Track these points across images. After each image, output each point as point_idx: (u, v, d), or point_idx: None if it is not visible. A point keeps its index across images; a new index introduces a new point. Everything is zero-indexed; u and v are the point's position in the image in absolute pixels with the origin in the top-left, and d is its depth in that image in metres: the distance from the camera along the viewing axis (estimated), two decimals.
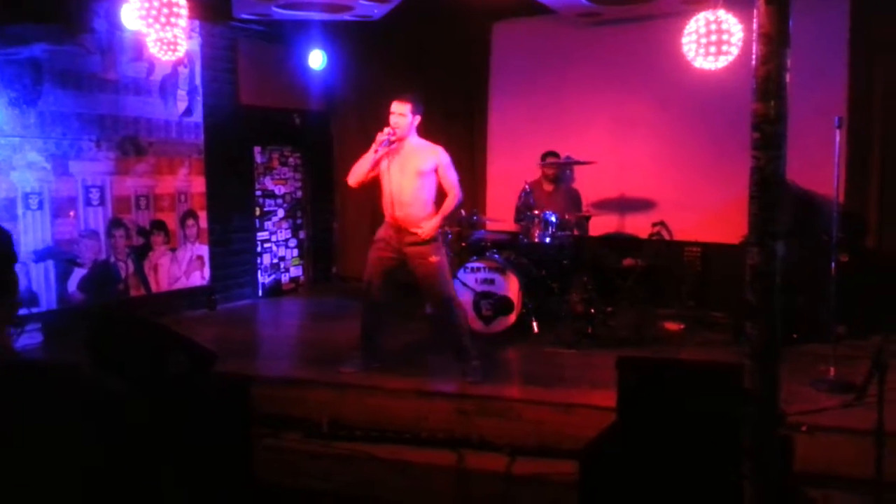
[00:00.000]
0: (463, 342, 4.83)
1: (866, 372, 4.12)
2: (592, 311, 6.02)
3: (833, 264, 4.64)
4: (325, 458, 4.12)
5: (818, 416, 3.99)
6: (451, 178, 4.81)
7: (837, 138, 4.58)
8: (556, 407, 4.29)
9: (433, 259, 4.74)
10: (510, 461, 3.91)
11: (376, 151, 4.72)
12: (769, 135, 2.58)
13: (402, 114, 4.72)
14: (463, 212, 6.39)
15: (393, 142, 4.71)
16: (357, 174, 4.84)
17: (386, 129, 4.71)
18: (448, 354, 4.95)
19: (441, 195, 4.90)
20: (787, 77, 2.64)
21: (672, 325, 6.17)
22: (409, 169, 4.73)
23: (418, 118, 4.80)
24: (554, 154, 6.65)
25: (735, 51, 4.39)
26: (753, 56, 2.66)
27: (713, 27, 4.33)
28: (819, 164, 5.47)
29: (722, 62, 4.45)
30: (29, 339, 5.51)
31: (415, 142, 4.82)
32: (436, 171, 4.78)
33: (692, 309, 6.47)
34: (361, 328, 5.02)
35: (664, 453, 2.94)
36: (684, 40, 4.46)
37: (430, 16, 7.09)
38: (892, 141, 6.20)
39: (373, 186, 8.57)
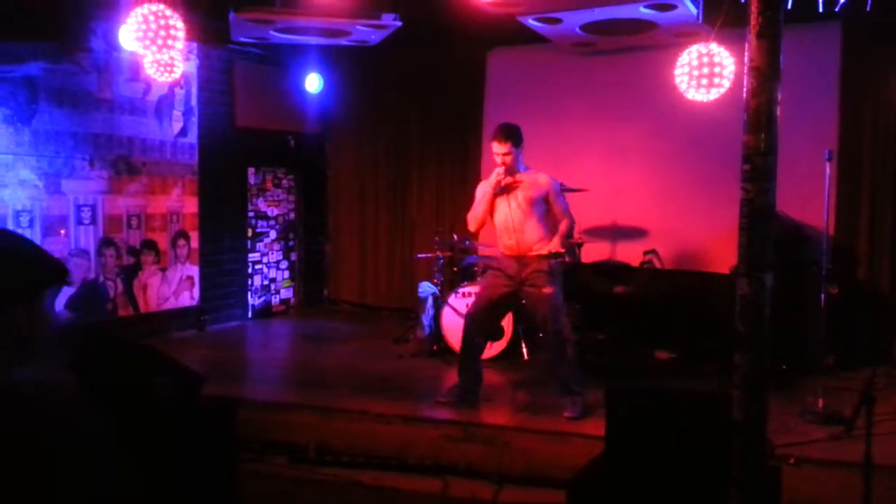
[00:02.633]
0: (570, 376, 4.72)
1: (855, 404, 4.11)
2: (583, 338, 6.01)
3: (822, 296, 4.66)
4: (311, 483, 4.07)
5: (806, 448, 3.98)
6: (560, 204, 4.81)
7: (828, 170, 4.62)
8: (545, 435, 4.27)
9: (547, 290, 4.68)
10: (497, 489, 3.87)
11: (497, 195, 4.72)
12: (759, 167, 2.60)
13: (506, 153, 4.67)
14: (455, 236, 6.40)
15: (507, 183, 4.70)
16: (476, 220, 4.83)
17: (496, 171, 4.70)
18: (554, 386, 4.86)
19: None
20: (778, 110, 2.67)
21: (662, 354, 6.17)
22: (520, 200, 4.72)
23: (523, 149, 4.78)
24: None
25: (727, 83, 4.44)
26: (745, 89, 2.70)
27: (705, 60, 4.38)
28: (809, 196, 5.52)
29: (714, 94, 4.50)
30: None
31: (523, 172, 4.80)
32: (546, 198, 4.76)
33: (682, 338, 6.47)
34: (462, 357, 4.95)
35: (652, 484, 2.92)
36: (676, 72, 4.51)
37: (427, 43, 7.15)
38: (881, 173, 6.27)
39: (363, 210, 8.59)
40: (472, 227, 4.89)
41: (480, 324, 4.91)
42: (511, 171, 4.70)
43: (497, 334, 5.90)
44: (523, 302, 4.91)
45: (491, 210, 4.80)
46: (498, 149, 4.69)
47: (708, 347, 6.18)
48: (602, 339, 6.26)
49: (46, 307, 1.38)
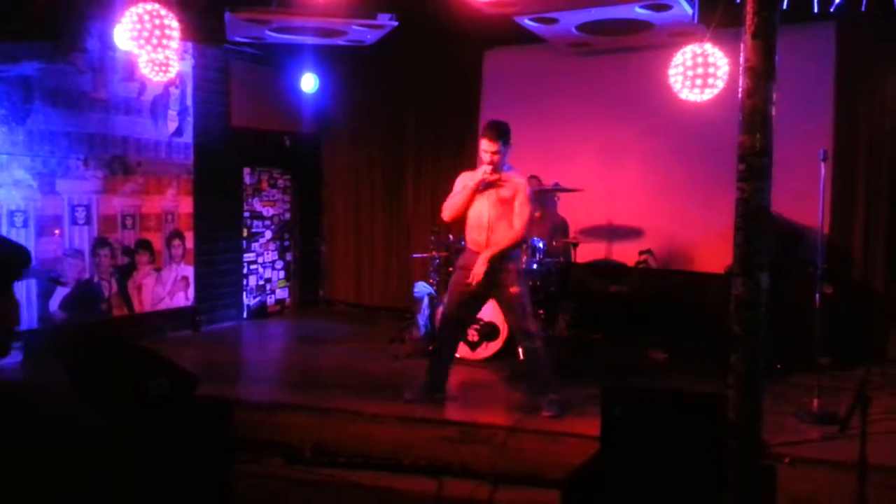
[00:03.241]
0: (544, 374, 4.73)
1: (849, 404, 4.12)
2: (577, 337, 6.02)
3: (817, 295, 4.67)
4: (306, 484, 4.06)
5: (801, 447, 3.99)
6: (522, 212, 4.72)
7: (822, 170, 4.63)
8: (540, 435, 4.27)
9: (513, 290, 4.68)
10: (493, 490, 3.86)
11: (479, 191, 4.70)
12: (755, 167, 2.61)
13: (495, 151, 4.65)
14: (451, 236, 6.40)
15: (494, 180, 4.68)
16: (453, 211, 4.81)
17: (483, 168, 4.68)
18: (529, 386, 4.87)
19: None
20: (773, 110, 2.68)
21: (657, 354, 6.18)
22: (496, 199, 4.72)
23: (510, 148, 4.77)
24: (534, 178, 6.67)
25: (721, 84, 4.45)
26: (739, 89, 2.70)
27: (699, 60, 4.39)
28: (804, 196, 5.54)
29: (708, 95, 4.50)
30: (8, 358, 5.44)
31: (505, 171, 4.78)
32: (513, 198, 4.73)
33: (677, 338, 6.48)
34: (434, 355, 4.96)
35: (647, 484, 2.92)
36: (671, 72, 4.51)
37: (423, 43, 7.15)
38: (876, 173, 6.28)
39: (359, 210, 8.58)
40: (446, 216, 4.87)
41: (453, 322, 4.91)
42: (497, 169, 4.70)
43: (492, 334, 5.91)
44: (497, 303, 4.88)
45: (468, 204, 4.77)
46: (487, 146, 4.68)
47: (703, 347, 6.20)
48: (597, 339, 6.26)
49: (15, 294, 1.40)
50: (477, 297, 4.86)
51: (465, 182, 4.80)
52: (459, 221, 4.94)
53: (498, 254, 4.65)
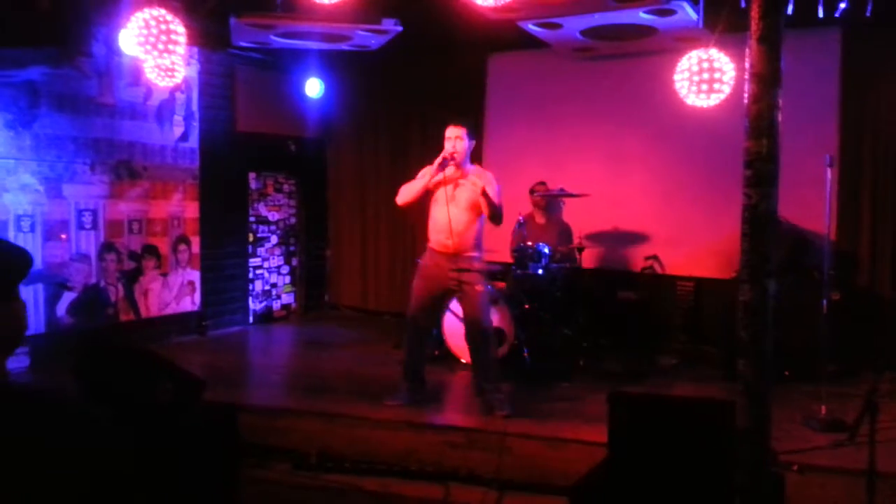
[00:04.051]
0: (493, 374, 4.79)
1: (858, 411, 4.10)
2: (585, 344, 6.00)
3: (825, 302, 4.65)
4: (313, 490, 4.06)
5: (809, 455, 3.97)
6: (494, 190, 4.74)
7: (829, 176, 4.62)
8: (547, 441, 4.25)
9: (479, 288, 4.74)
10: (499, 496, 3.86)
11: (435, 175, 4.69)
12: (761, 172, 2.60)
13: (459, 137, 4.69)
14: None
15: (452, 165, 4.69)
16: (408, 196, 4.81)
17: (445, 153, 4.69)
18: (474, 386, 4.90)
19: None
20: (779, 116, 2.67)
21: (664, 360, 6.16)
22: (462, 201, 4.74)
23: (473, 143, 4.81)
24: (542, 184, 6.68)
25: (727, 89, 4.43)
26: (745, 95, 2.70)
27: (705, 65, 4.37)
28: (811, 201, 5.52)
29: (714, 100, 4.49)
30: (16, 362, 5.44)
31: (467, 168, 4.82)
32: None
33: (684, 343, 6.46)
34: (406, 358, 4.97)
35: (655, 491, 2.91)
36: (676, 77, 4.50)
37: (427, 47, 7.16)
38: (883, 179, 6.26)
39: (365, 214, 8.59)
40: (400, 200, 4.85)
41: (421, 323, 4.93)
42: (460, 158, 4.70)
43: (498, 340, 5.89)
44: (460, 301, 4.91)
45: (424, 190, 4.75)
46: (451, 132, 4.70)
47: (709, 353, 6.18)
48: (603, 345, 6.25)
49: (21, 296, 1.41)
50: (445, 295, 4.90)
51: (425, 170, 4.80)
52: (424, 222, 4.94)
53: (465, 251, 4.70)
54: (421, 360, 4.99)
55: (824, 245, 4.76)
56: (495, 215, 4.72)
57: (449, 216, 4.69)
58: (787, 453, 3.86)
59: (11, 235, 5.57)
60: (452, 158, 4.68)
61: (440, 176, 4.68)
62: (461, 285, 4.76)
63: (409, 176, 8.70)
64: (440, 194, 4.77)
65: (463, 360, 5.95)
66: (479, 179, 4.70)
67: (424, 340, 5.03)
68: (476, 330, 4.81)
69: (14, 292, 1.25)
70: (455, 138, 4.70)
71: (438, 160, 4.69)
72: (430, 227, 4.88)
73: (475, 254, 4.81)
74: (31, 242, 5.69)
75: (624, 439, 3.01)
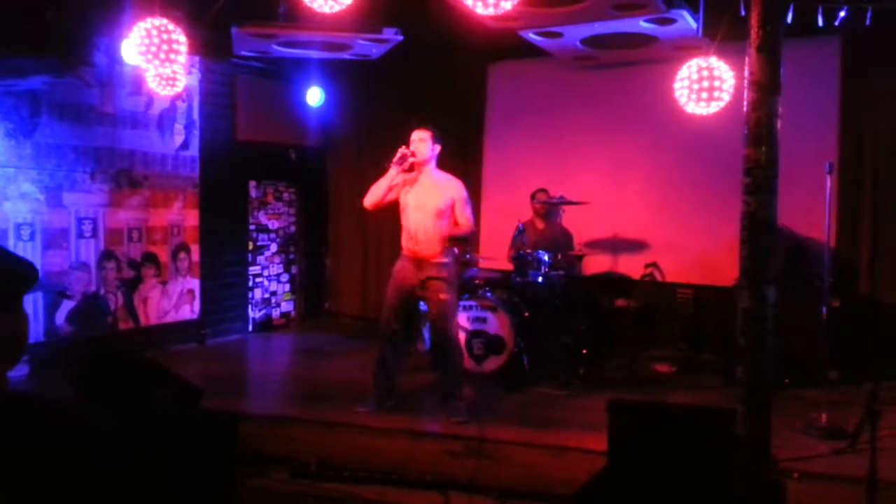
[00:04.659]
0: (453, 382, 4.85)
1: (859, 418, 4.09)
2: (584, 351, 5.99)
3: (825, 309, 4.65)
4: (311, 498, 4.04)
5: (810, 462, 3.96)
6: (466, 214, 4.88)
7: (828, 183, 4.63)
8: (547, 450, 4.24)
9: (444, 296, 4.78)
10: None
11: (390, 167, 4.79)
12: (760, 180, 2.61)
13: (421, 139, 4.80)
14: (456, 250, 6.39)
15: (411, 164, 4.76)
16: (373, 196, 4.90)
17: (403, 148, 4.76)
18: (436, 393, 4.94)
19: None
20: (778, 123, 2.68)
21: (664, 368, 6.15)
22: (428, 206, 4.81)
23: (438, 148, 4.88)
24: (543, 191, 6.69)
25: (726, 97, 4.45)
26: (745, 102, 2.71)
27: (705, 73, 4.39)
28: (810, 209, 5.52)
29: (713, 108, 4.51)
30: (16, 371, 5.43)
31: (435, 175, 4.89)
32: (452, 206, 4.84)
33: (684, 351, 6.45)
34: (377, 363, 4.99)
35: (655, 499, 2.90)
36: (676, 85, 4.52)
37: (428, 56, 7.18)
38: (883, 186, 6.27)
39: (364, 222, 8.59)
40: (367, 202, 4.94)
41: (392, 329, 4.96)
42: (420, 158, 4.76)
43: (498, 348, 5.88)
44: (427, 307, 4.97)
45: (399, 210, 4.86)
46: (416, 135, 4.80)
47: (709, 361, 6.17)
48: (603, 353, 6.24)
49: (24, 307, 1.41)
50: (411, 301, 4.96)
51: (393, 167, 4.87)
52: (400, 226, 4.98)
53: (442, 245, 4.76)
54: (394, 366, 5.00)
55: (824, 252, 4.76)
56: (466, 242, 4.86)
57: (415, 223, 4.79)
58: (788, 461, 3.84)
59: (11, 244, 5.57)
60: (412, 155, 4.75)
61: (395, 171, 4.76)
62: (427, 291, 4.81)
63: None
64: (407, 200, 4.84)
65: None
66: (444, 195, 4.80)
67: (398, 346, 5.04)
68: (439, 336, 4.85)
69: (17, 303, 1.26)
70: (419, 140, 4.80)
71: (397, 155, 4.75)
72: (402, 235, 4.96)
73: (444, 260, 4.84)
74: (30, 251, 5.69)
75: (624, 447, 3.00)
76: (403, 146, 4.81)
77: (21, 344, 1.44)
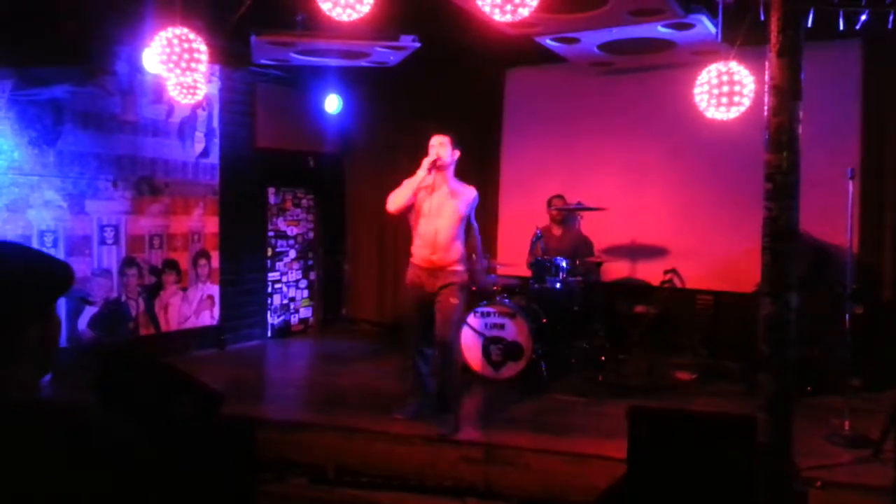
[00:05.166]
0: (449, 390, 4.80)
1: (882, 427, 4.04)
2: (603, 358, 5.96)
3: (847, 316, 4.59)
4: None
5: (833, 471, 3.90)
6: (475, 224, 4.95)
7: (850, 189, 4.58)
8: (566, 456, 4.22)
9: (454, 300, 4.76)
10: None
11: (428, 175, 4.77)
12: (782, 185, 2.58)
13: (442, 143, 4.80)
14: (473, 256, 6.40)
15: (438, 167, 4.75)
16: (399, 200, 4.87)
17: (431, 157, 4.76)
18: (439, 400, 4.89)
19: None
20: (800, 128, 2.65)
21: (684, 375, 6.10)
22: (448, 212, 4.79)
23: (457, 153, 4.88)
24: (560, 197, 6.67)
25: (747, 102, 4.42)
26: (765, 107, 2.68)
27: (725, 78, 4.37)
28: (832, 214, 5.46)
29: (733, 113, 4.48)
30: None
31: (453, 182, 4.88)
32: (470, 214, 4.88)
33: (704, 358, 6.40)
34: (413, 375, 4.97)
35: None
36: (696, 90, 4.50)
37: (445, 63, 7.20)
38: None
39: (382, 229, 8.61)
40: (391, 207, 4.90)
41: (421, 347, 4.92)
42: (444, 162, 4.77)
43: (516, 354, 5.87)
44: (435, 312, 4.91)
45: (415, 217, 4.84)
46: (436, 139, 4.79)
47: (730, 368, 6.11)
48: (622, 359, 6.20)
49: (57, 312, 1.42)
50: (429, 307, 4.89)
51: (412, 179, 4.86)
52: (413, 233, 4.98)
53: (449, 265, 4.76)
54: (429, 375, 4.97)
55: (846, 258, 4.70)
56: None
57: (434, 229, 4.77)
58: (811, 469, 3.80)
59: None
60: (439, 159, 4.75)
61: (424, 174, 4.75)
62: (439, 295, 4.78)
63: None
64: (426, 207, 4.81)
65: (481, 374, 5.93)
66: (465, 201, 4.82)
67: (428, 358, 4.99)
68: (441, 341, 4.79)
69: (52, 309, 1.27)
70: (439, 145, 4.79)
71: (429, 163, 4.74)
72: (415, 242, 4.91)
73: (459, 268, 4.83)
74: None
75: (644, 455, 2.98)
76: (432, 156, 4.79)
77: (54, 350, 1.45)
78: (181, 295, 6.88)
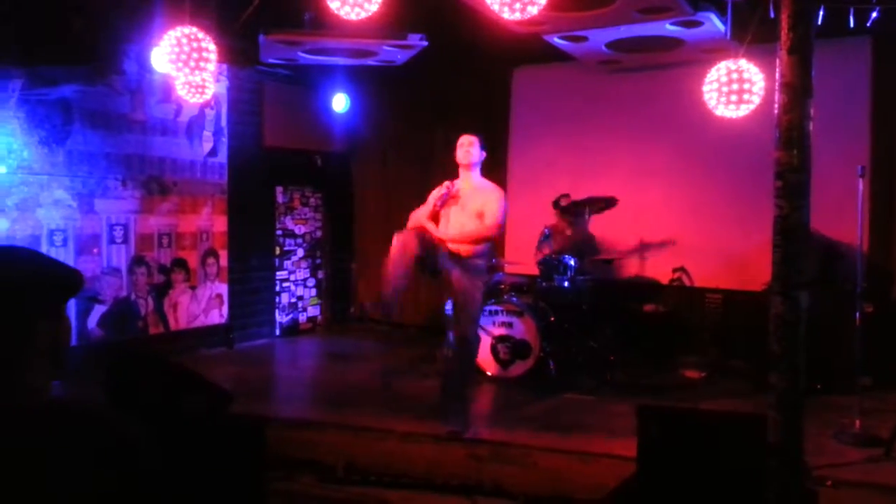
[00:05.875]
0: (460, 385, 4.79)
1: (893, 426, 4.01)
2: (612, 357, 5.95)
3: (858, 314, 4.57)
4: (338, 502, 4.06)
5: (843, 470, 3.89)
6: (491, 211, 4.78)
7: (861, 187, 4.55)
8: (574, 455, 4.21)
9: (476, 295, 4.75)
10: None
11: (436, 206, 4.83)
12: (792, 183, 2.57)
13: (470, 143, 4.82)
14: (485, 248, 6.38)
15: (454, 193, 4.79)
16: (416, 222, 4.91)
17: (444, 184, 4.81)
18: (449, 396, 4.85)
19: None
20: (810, 126, 2.63)
21: (692, 373, 6.08)
22: (469, 209, 4.78)
23: (484, 155, 4.88)
24: (566, 196, 6.65)
25: (756, 100, 4.40)
26: (775, 105, 2.67)
27: (734, 76, 4.35)
28: (843, 213, 5.43)
29: (743, 111, 4.46)
30: None
31: (477, 182, 4.87)
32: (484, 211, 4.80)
33: (713, 357, 6.37)
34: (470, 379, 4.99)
35: None
36: (705, 88, 4.48)
37: (452, 62, 7.20)
38: None
39: (390, 227, 8.61)
40: (410, 226, 4.93)
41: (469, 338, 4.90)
42: (471, 160, 4.79)
43: (524, 352, 5.87)
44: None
45: (434, 217, 4.86)
46: (465, 139, 4.81)
47: (739, 367, 6.09)
48: (631, 358, 6.18)
49: (67, 313, 1.43)
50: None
51: (434, 195, 4.89)
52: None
53: (456, 247, 4.69)
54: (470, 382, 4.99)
55: (857, 257, 4.68)
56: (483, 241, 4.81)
57: (453, 223, 4.77)
58: (821, 468, 3.78)
59: (44, 249, 5.67)
60: (453, 186, 4.81)
61: (434, 202, 4.83)
62: (455, 290, 4.76)
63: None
64: (454, 210, 4.83)
65: (488, 373, 5.94)
66: (488, 199, 4.78)
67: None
68: (457, 336, 4.75)
69: (61, 310, 1.28)
70: (468, 144, 4.81)
71: (442, 191, 4.78)
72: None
73: (480, 262, 4.81)
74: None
75: (653, 454, 2.98)
76: (448, 181, 4.81)
77: (65, 350, 1.46)
78: (190, 294, 6.90)
